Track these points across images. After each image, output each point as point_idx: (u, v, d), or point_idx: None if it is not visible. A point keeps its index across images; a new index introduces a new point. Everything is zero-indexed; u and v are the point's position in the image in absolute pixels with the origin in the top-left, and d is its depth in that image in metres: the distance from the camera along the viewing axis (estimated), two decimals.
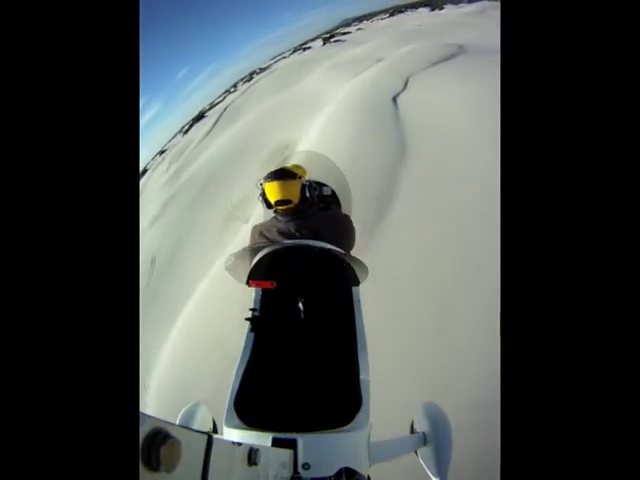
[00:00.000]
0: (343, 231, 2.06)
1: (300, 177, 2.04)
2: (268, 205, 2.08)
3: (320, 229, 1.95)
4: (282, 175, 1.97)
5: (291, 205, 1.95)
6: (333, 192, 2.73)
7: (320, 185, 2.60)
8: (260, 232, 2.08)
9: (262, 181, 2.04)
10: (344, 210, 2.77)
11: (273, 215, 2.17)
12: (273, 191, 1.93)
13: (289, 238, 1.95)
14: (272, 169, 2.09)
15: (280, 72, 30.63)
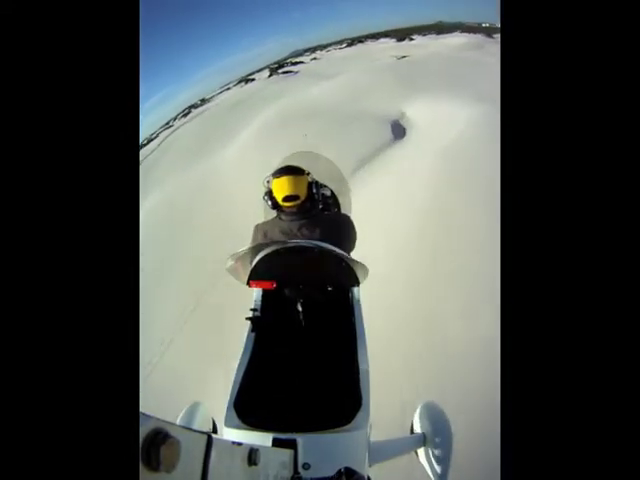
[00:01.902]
0: (344, 232, 2.27)
1: (308, 173, 2.27)
2: (274, 204, 2.27)
3: (322, 229, 2.12)
4: (291, 170, 2.18)
5: (298, 201, 2.14)
6: (332, 193, 2.97)
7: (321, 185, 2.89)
8: (262, 232, 2.25)
9: (269, 178, 2.24)
10: (343, 210, 3.03)
11: (275, 215, 2.34)
12: (282, 186, 2.11)
13: (291, 238, 2.10)
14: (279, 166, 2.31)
15: (212, 113, 29.43)
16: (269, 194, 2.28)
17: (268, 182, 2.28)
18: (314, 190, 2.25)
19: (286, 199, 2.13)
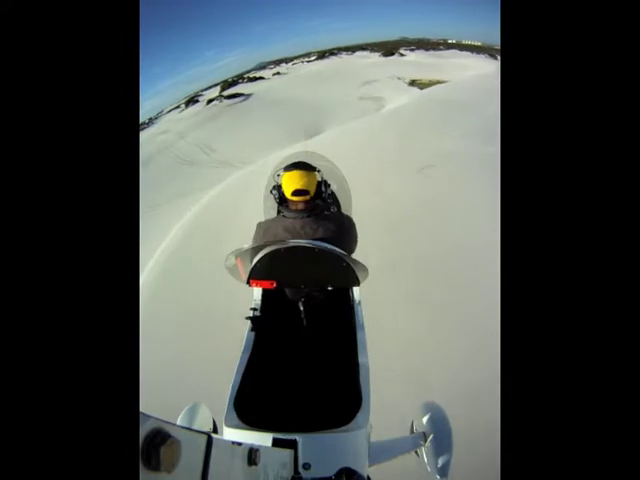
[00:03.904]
0: (346, 232, 2.47)
1: (319, 171, 2.53)
2: (281, 199, 2.50)
3: (325, 228, 2.32)
4: (304, 166, 2.41)
5: (307, 197, 2.34)
6: (333, 193, 3.23)
7: None
8: (265, 229, 2.45)
9: (280, 172, 2.49)
10: (343, 210, 3.30)
11: (279, 213, 2.55)
12: (292, 180, 2.32)
13: (294, 235, 2.29)
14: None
15: None
16: (278, 188, 2.51)
17: (278, 175, 2.52)
18: (323, 189, 2.49)
19: (295, 193, 2.31)
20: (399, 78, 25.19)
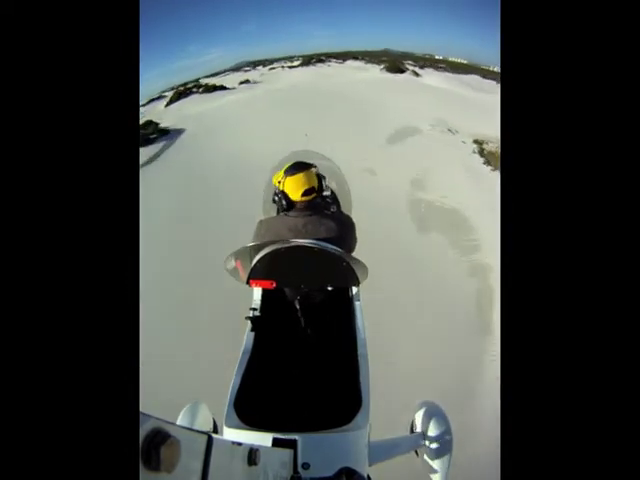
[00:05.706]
0: (346, 231, 2.66)
1: (315, 166, 2.74)
2: (288, 203, 2.65)
3: (327, 227, 2.53)
4: (304, 166, 2.66)
5: (315, 194, 2.62)
6: (332, 192, 3.45)
7: None
8: (266, 227, 2.65)
9: (282, 179, 2.67)
10: (343, 209, 3.52)
11: (278, 212, 2.71)
12: (298, 183, 2.58)
13: (296, 234, 2.47)
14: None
15: None
16: (282, 193, 2.68)
17: (280, 182, 2.69)
18: (323, 184, 2.75)
19: (305, 193, 2.59)
20: (450, 130, 16.71)
